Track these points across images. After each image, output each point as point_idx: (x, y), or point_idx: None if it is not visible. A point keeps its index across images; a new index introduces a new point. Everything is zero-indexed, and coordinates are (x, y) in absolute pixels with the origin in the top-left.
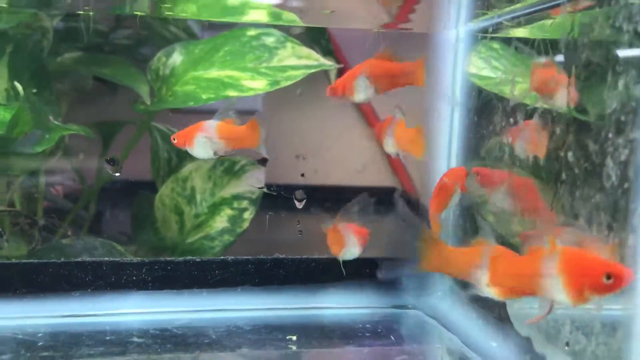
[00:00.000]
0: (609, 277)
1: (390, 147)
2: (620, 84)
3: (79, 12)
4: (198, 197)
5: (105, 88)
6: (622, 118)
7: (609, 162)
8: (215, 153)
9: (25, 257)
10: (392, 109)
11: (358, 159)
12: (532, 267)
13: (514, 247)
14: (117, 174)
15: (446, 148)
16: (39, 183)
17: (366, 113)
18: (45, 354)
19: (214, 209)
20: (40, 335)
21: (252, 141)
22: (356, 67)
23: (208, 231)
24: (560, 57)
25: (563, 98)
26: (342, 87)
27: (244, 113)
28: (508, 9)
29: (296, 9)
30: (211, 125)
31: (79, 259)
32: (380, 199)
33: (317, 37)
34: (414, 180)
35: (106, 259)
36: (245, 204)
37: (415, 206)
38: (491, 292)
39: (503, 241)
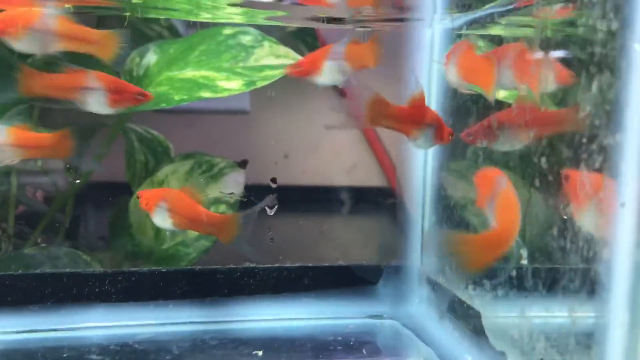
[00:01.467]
0: None
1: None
2: (594, 86)
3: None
4: None
5: None
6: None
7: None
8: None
9: None
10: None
11: (347, 158)
12: None
13: None
14: (77, 181)
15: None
16: (10, 188)
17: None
18: None
19: None
20: None
21: (61, 152)
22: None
23: (184, 237)
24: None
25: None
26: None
27: (232, 113)
28: (483, 8)
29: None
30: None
31: (39, 271)
32: (368, 199)
33: (302, 35)
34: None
35: (67, 270)
36: (222, 208)
37: (400, 206)
38: None
39: None
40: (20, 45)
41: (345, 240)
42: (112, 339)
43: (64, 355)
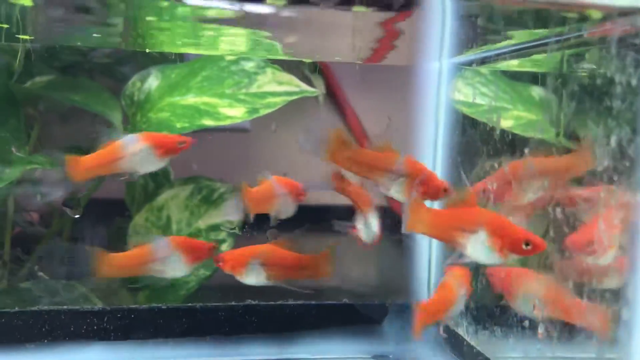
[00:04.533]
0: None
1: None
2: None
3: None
4: (174, 227)
5: (80, 110)
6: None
7: None
8: None
9: None
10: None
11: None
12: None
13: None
14: (77, 216)
15: None
16: (7, 213)
17: (355, 131)
18: None
19: None
20: None
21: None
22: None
23: None
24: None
25: None
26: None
27: (232, 131)
28: (494, 46)
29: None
30: None
31: (36, 308)
32: None
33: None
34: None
35: (65, 307)
36: (223, 235)
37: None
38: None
39: None
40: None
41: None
42: None
43: None
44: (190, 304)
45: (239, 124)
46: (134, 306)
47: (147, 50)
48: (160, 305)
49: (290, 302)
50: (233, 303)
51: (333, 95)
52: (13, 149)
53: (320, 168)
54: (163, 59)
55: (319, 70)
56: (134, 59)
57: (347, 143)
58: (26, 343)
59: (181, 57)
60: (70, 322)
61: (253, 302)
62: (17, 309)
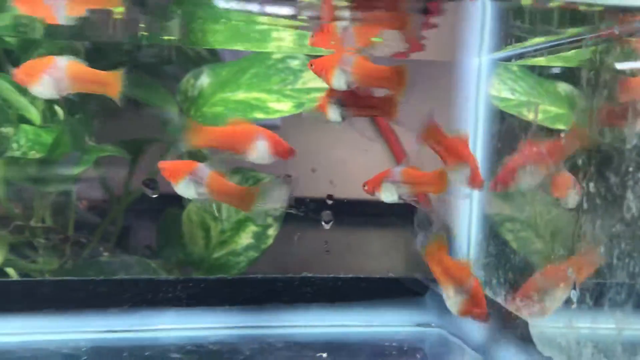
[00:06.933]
0: None
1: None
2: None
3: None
4: (224, 213)
5: (131, 105)
6: None
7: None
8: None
9: (57, 271)
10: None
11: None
12: None
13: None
14: (155, 196)
15: None
16: (70, 198)
17: (382, 127)
18: None
19: (239, 225)
20: (83, 349)
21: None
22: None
23: (234, 247)
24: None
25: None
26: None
27: (265, 127)
28: (530, 42)
29: None
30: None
31: (117, 277)
32: (400, 214)
33: None
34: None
35: (143, 276)
36: (269, 220)
37: (430, 222)
38: None
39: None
40: (38, 90)
41: (379, 253)
42: (187, 340)
43: (146, 353)
44: (252, 275)
45: (271, 120)
46: (203, 276)
47: (198, 48)
48: (226, 275)
49: (342, 275)
50: (291, 275)
51: None
52: (86, 139)
53: (348, 164)
54: (199, 58)
55: None
56: (176, 57)
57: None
58: (109, 308)
59: (215, 55)
60: (147, 291)
61: (308, 275)
62: (102, 277)
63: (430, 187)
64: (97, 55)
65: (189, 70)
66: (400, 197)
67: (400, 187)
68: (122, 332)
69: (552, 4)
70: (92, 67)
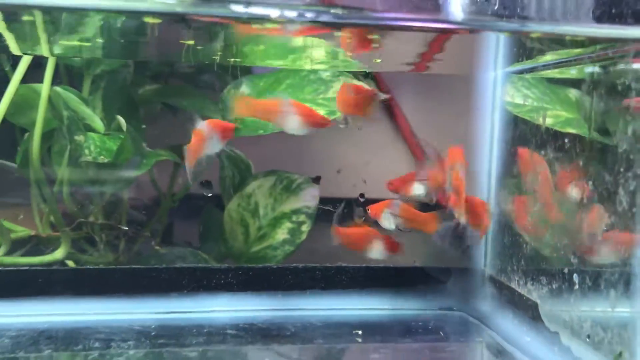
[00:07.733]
0: None
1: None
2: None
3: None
4: (261, 211)
5: (170, 114)
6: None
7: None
8: None
9: (113, 264)
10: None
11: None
12: None
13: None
14: (210, 195)
15: (486, 176)
16: (123, 198)
17: (403, 130)
18: (162, 341)
19: (275, 222)
20: (152, 327)
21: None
22: None
23: (271, 242)
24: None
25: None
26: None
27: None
28: (543, 59)
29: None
30: None
31: (177, 265)
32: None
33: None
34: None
35: (199, 265)
36: (302, 217)
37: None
38: None
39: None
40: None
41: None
42: (240, 320)
43: (205, 330)
44: (294, 264)
45: None
46: (250, 265)
47: (239, 65)
48: (272, 265)
49: (372, 264)
50: (327, 264)
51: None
52: (144, 145)
53: (370, 166)
54: (233, 70)
55: (372, 77)
56: (212, 70)
57: None
58: (170, 292)
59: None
60: (202, 277)
61: (343, 264)
62: (164, 265)
63: (422, 226)
64: (141, 67)
65: (222, 79)
66: (397, 227)
67: (398, 219)
68: (183, 312)
69: (532, 35)
70: (138, 78)
